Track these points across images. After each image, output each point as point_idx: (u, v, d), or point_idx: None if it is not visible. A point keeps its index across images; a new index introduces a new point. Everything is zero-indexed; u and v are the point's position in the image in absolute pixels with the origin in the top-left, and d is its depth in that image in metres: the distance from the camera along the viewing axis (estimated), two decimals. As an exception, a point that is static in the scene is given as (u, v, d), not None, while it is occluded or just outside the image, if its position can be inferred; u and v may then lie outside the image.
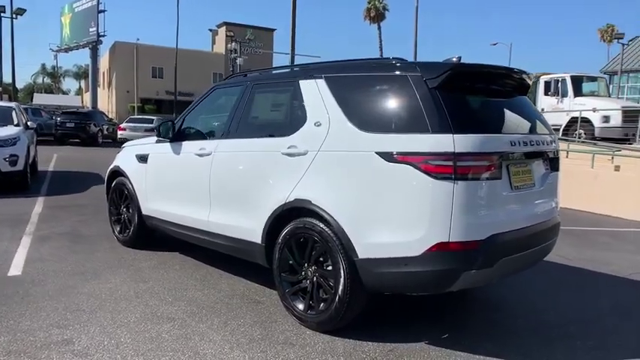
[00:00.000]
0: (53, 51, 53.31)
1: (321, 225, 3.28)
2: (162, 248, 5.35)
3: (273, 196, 3.59)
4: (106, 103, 53.40)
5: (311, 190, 3.35)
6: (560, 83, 15.49)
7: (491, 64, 3.23)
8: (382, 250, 3.02)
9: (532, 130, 3.44)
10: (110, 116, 37.02)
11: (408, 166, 2.92)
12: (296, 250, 3.50)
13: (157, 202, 4.87)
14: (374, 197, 3.07)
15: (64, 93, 74.88)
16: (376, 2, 54.42)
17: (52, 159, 15.27)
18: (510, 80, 3.42)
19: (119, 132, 23.38)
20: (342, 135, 3.27)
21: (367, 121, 3.20)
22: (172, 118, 4.75)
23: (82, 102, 60.58)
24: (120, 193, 5.49)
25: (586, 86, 16.00)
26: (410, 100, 3.03)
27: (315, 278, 3.41)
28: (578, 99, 15.16)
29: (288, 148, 3.55)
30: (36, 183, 9.95)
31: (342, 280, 3.18)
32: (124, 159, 5.43)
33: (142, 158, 5.07)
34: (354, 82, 3.40)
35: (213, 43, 58.61)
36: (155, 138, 5.22)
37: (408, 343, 3.26)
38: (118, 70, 50.38)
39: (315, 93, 3.53)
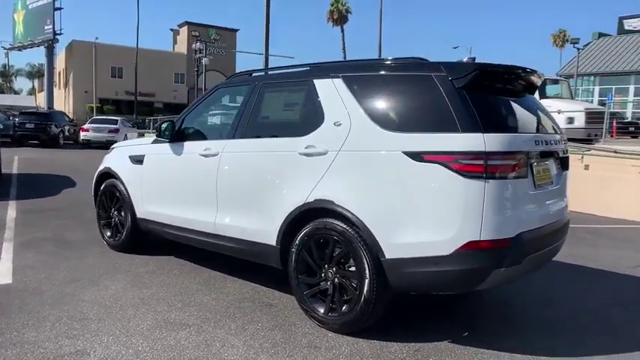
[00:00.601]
0: (5, 49, 50.92)
1: (344, 225, 3.24)
2: (156, 252, 5.18)
3: (290, 197, 3.52)
4: (63, 103, 51.50)
5: (333, 191, 3.30)
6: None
7: (509, 65, 3.28)
8: (411, 249, 3.01)
9: (547, 128, 3.51)
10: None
11: (438, 165, 2.92)
12: (315, 252, 3.45)
13: (154, 205, 4.70)
14: (401, 197, 3.06)
15: (16, 93, 71.63)
16: (339, 5, 54.77)
17: (14, 161, 14.59)
18: (524, 80, 3.48)
19: (82, 133, 22.59)
20: (365, 134, 3.24)
21: (392, 120, 3.19)
22: (172, 118, 4.60)
23: (36, 102, 58.18)
24: (110, 195, 5.27)
25: (550, 88, 16.57)
26: (436, 99, 3.04)
27: (336, 279, 3.36)
28: (543, 101, 15.68)
29: (306, 148, 3.49)
30: (3, 186, 9.46)
31: (367, 280, 3.15)
32: (116, 160, 5.22)
33: (137, 160, 4.88)
34: (374, 82, 3.38)
35: (175, 42, 57.52)
36: (149, 138, 5.06)
37: (432, 342, 3.26)
38: (76, 70, 48.69)
39: (333, 92, 3.49)
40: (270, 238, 3.67)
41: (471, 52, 46.81)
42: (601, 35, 36.04)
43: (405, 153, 3.03)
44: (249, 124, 3.97)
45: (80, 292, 4.02)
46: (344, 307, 3.30)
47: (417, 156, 2.99)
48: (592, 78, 32.74)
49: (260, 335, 3.31)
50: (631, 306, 4.17)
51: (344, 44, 54.77)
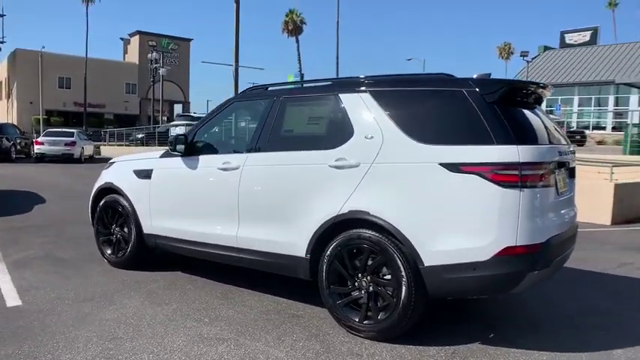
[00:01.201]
0: (-60, 58, 48.03)
1: (380, 235, 3.35)
2: (160, 268, 5.09)
3: (322, 209, 3.60)
4: (5, 114, 49.03)
5: (368, 202, 3.41)
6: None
7: (528, 80, 3.50)
8: (449, 256, 3.15)
9: (560, 138, 3.77)
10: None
11: (475, 175, 3.09)
12: (348, 262, 3.53)
13: (165, 220, 4.64)
14: (438, 206, 3.21)
15: (-49, 104, 67.37)
16: (294, 16, 55.26)
17: (-32, 177, 13.78)
18: (537, 94, 3.71)
19: (36, 146, 21.58)
20: (398, 147, 3.37)
21: (425, 133, 3.34)
22: (185, 132, 4.56)
23: (-26, 114, 55.05)
24: (111, 211, 5.15)
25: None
26: (469, 113, 3.21)
27: (371, 288, 3.46)
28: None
29: (336, 160, 3.59)
30: (-31, 204, 8.96)
31: (405, 288, 3.27)
32: (118, 175, 5.11)
33: (144, 174, 4.81)
34: (405, 97, 3.53)
35: (125, 52, 56.08)
36: (155, 152, 5.00)
37: (464, 344, 3.40)
38: (20, 80, 46.56)
39: (362, 107, 3.61)
40: (300, 249, 3.73)
41: (424, 64, 48.38)
42: (547, 48, 38.15)
43: (442, 164, 3.18)
44: (271, 138, 4.02)
45: (99, 311, 3.92)
46: (380, 315, 3.40)
47: (453, 167, 3.15)
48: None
49: (299, 346, 3.36)
50: (630, 301, 4.49)
51: (299, 55, 55.34)
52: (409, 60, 47.82)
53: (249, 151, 4.11)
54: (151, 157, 4.93)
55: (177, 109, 59.21)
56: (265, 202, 3.95)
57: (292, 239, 3.77)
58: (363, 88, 3.67)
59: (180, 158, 4.51)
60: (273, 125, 4.05)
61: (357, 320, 3.49)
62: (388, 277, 3.39)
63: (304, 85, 4.13)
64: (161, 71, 31.99)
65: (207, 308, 4.03)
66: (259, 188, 3.99)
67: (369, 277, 3.47)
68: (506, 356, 3.26)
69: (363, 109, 3.60)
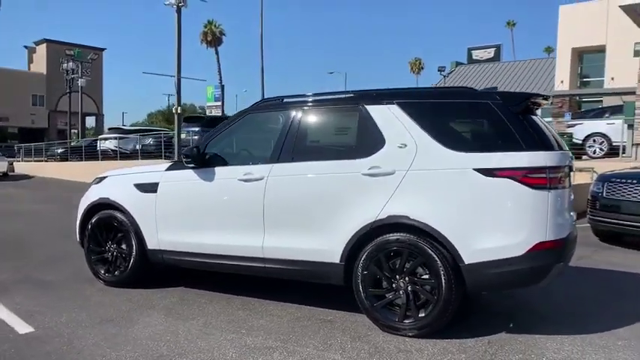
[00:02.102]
0: None
1: (418, 238, 3.58)
2: (158, 285, 4.91)
3: (357, 216, 3.75)
4: None
5: (406, 207, 3.62)
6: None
7: (540, 93, 3.92)
8: (487, 254, 3.45)
9: (563, 145, 4.21)
10: None
11: (509, 179, 3.42)
12: (385, 265, 3.72)
13: (175, 234, 4.53)
14: (474, 208, 3.50)
15: None
16: (212, 27, 54.61)
17: None
18: (540, 104, 4.13)
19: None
20: (433, 155, 3.63)
21: (457, 142, 3.63)
22: (196, 145, 4.49)
23: None
24: (107, 227, 4.93)
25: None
26: (498, 123, 3.56)
27: (409, 288, 3.67)
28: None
29: (370, 169, 3.77)
30: None
31: (445, 285, 3.51)
32: (115, 190, 4.90)
33: (148, 188, 4.67)
34: (433, 108, 3.80)
35: (31, 61, 52.08)
36: (156, 165, 4.89)
37: (493, 334, 3.70)
38: None
39: (391, 117, 3.83)
40: (334, 256, 3.85)
41: (346, 77, 49.83)
42: (458, 64, 40.92)
43: (477, 170, 3.48)
44: (296, 149, 4.11)
45: (126, 331, 3.77)
46: (420, 313, 3.62)
47: (488, 172, 3.46)
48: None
49: (349, 347, 3.48)
50: (604, 288, 5.07)
51: (219, 66, 54.63)
52: (331, 73, 49.01)
53: (272, 162, 4.16)
54: (153, 170, 4.80)
55: (90, 121, 55.92)
56: (295, 211, 4.03)
57: (325, 246, 3.88)
58: (390, 100, 3.90)
59: (192, 171, 4.45)
60: (296, 136, 4.15)
61: (396, 320, 3.68)
62: (426, 276, 3.62)
63: (324, 97, 4.26)
64: (80, 82, 30.14)
65: (237, 320, 4.02)
66: (288, 198, 4.06)
67: (407, 278, 3.68)
68: (535, 341, 3.59)
69: (392, 120, 3.82)
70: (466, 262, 3.48)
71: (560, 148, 3.68)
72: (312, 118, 4.22)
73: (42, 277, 5.34)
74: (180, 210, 4.53)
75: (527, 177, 3.41)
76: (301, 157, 4.10)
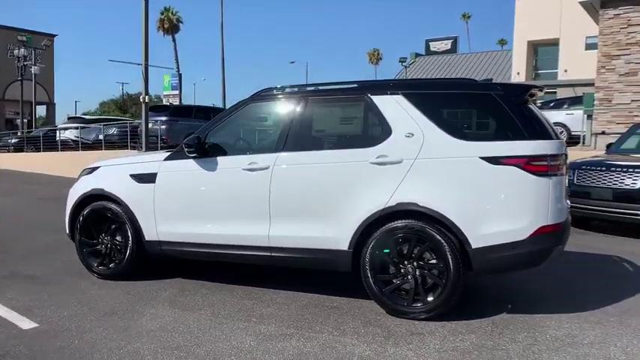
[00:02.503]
0: None
1: (426, 224, 3.69)
2: (153, 277, 4.83)
3: (366, 203, 3.83)
4: None
5: (415, 194, 3.73)
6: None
7: (534, 84, 4.10)
8: (493, 238, 3.61)
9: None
10: None
11: (513, 167, 3.58)
12: (393, 250, 3.82)
13: (175, 225, 4.47)
14: (480, 195, 3.65)
15: None
16: (169, 14, 53.25)
17: None
18: (536, 95, 4.30)
19: None
20: (440, 144, 3.75)
21: (463, 131, 3.77)
22: (197, 134, 4.43)
23: None
24: (100, 219, 4.81)
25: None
26: (501, 113, 3.71)
27: (417, 273, 3.79)
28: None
29: (377, 157, 3.85)
30: None
31: (453, 269, 3.65)
32: (109, 180, 4.77)
33: (145, 178, 4.58)
34: (438, 98, 3.91)
35: (-29, 47, 48.95)
36: (152, 155, 4.80)
37: (497, 315, 3.88)
38: None
39: (396, 107, 3.92)
40: (342, 243, 3.92)
41: (307, 67, 49.70)
42: (417, 55, 41.59)
43: (482, 158, 3.63)
44: (301, 138, 4.14)
45: (134, 323, 3.72)
46: (429, 296, 3.75)
47: (494, 160, 3.61)
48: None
49: (363, 332, 3.57)
50: (580, 270, 5.38)
51: (176, 54, 53.37)
52: (292, 63, 48.76)
53: (276, 151, 4.18)
54: (150, 160, 4.71)
55: (40, 111, 53.38)
56: (302, 200, 4.07)
57: (333, 234, 3.95)
58: (395, 90, 3.98)
59: (193, 160, 4.40)
60: (301, 126, 4.18)
61: (405, 304, 3.80)
62: (434, 261, 3.75)
63: (328, 87, 4.29)
64: (33, 69, 28.65)
65: (244, 309, 4.03)
66: (294, 187, 4.09)
67: (415, 263, 3.80)
68: (535, 321, 3.79)
69: (398, 110, 3.91)
70: (473, 247, 3.62)
71: (557, 137, 3.87)
72: (316, 108, 4.25)
73: (28, 271, 5.15)
74: (182, 200, 4.48)
75: (530, 164, 3.58)
76: (307, 147, 4.14)
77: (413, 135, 3.82)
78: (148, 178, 4.57)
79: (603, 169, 7.17)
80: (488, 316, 3.87)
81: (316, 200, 4.03)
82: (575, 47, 26.82)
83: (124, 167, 4.79)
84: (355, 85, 4.21)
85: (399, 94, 3.96)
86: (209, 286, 4.64)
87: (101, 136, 16.15)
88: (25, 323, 3.71)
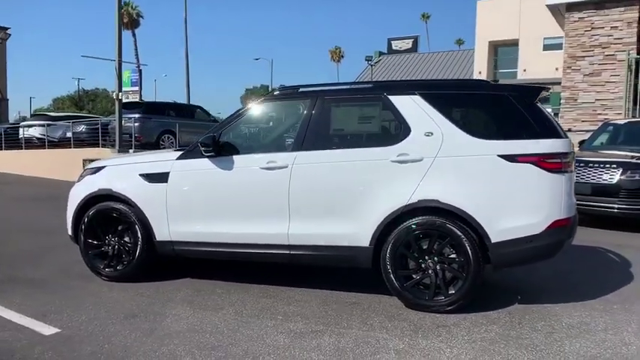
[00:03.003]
0: None
1: (446, 220, 3.82)
2: (163, 277, 4.78)
3: (388, 200, 3.92)
4: None
5: (436, 191, 3.85)
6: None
7: (543, 86, 4.28)
8: (511, 232, 3.77)
9: None
10: None
11: (529, 164, 3.76)
12: (414, 246, 3.93)
13: (189, 224, 4.43)
14: (499, 191, 3.81)
15: None
16: (129, 8, 51.79)
17: None
18: (543, 96, 4.48)
19: None
20: (459, 142, 3.88)
21: (480, 130, 3.91)
22: (213, 133, 4.38)
23: None
24: (107, 220, 4.70)
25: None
26: (516, 113, 3.88)
27: (438, 267, 3.91)
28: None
29: (398, 156, 3.95)
30: None
31: (472, 263, 3.79)
32: (118, 180, 4.66)
33: (157, 178, 4.50)
34: (455, 99, 4.05)
35: None
36: (162, 154, 4.73)
37: (511, 306, 4.06)
38: None
39: (414, 107, 4.03)
40: (363, 239, 4.00)
41: (272, 64, 49.46)
42: (381, 53, 42.13)
43: (500, 156, 3.79)
44: (319, 137, 4.19)
45: (160, 325, 3.68)
46: (450, 289, 3.88)
47: (510, 158, 3.77)
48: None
49: (390, 326, 3.66)
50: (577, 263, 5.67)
51: (136, 49, 51.99)
52: (257, 60, 48.42)
53: (295, 149, 4.21)
54: (160, 159, 4.64)
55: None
56: (323, 198, 4.12)
57: (354, 231, 4.02)
58: (412, 91, 4.09)
59: (208, 159, 4.37)
60: (319, 124, 4.22)
61: (426, 298, 3.92)
62: (454, 255, 3.89)
63: (345, 86, 4.35)
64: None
65: (266, 308, 4.05)
66: (315, 185, 4.13)
67: (435, 258, 3.92)
68: (547, 310, 3.98)
69: (416, 109, 4.02)
70: (493, 241, 3.78)
71: (566, 135, 4.08)
72: (334, 107, 4.31)
73: (25, 275, 4.98)
74: (198, 199, 4.44)
75: (544, 162, 3.77)
76: (326, 145, 4.19)
77: (432, 134, 3.94)
78: (159, 178, 4.51)
79: (582, 165, 7.54)
80: (502, 307, 4.04)
81: (337, 198, 4.09)
82: (534, 48, 27.92)
83: (132, 167, 4.70)
84: (371, 85, 4.30)
85: (416, 94, 4.07)
86: (222, 285, 4.62)
87: (69, 134, 15.57)
88: (45, 329, 3.60)
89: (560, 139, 3.87)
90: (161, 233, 4.53)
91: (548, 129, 3.87)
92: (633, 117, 10.97)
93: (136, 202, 4.57)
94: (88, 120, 17.33)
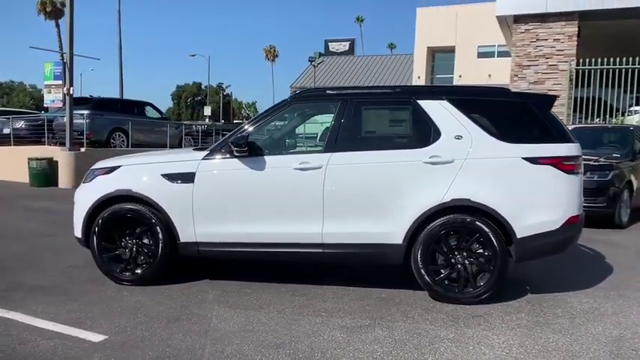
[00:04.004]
0: None
1: (474, 217, 4.11)
2: (179, 280, 4.70)
3: (421, 200, 4.14)
4: None
5: (467, 190, 4.12)
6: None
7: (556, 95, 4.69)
8: (534, 228, 4.12)
9: None
10: None
11: (550, 166, 4.13)
12: (445, 242, 4.18)
13: (218, 225, 4.40)
14: (523, 190, 4.15)
15: None
16: (52, -4, 48.66)
17: None
18: None
19: None
20: (487, 145, 4.18)
21: (505, 134, 4.22)
22: (242, 133, 4.36)
23: None
24: (123, 222, 4.55)
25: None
26: (536, 119, 4.25)
27: (466, 262, 4.19)
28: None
29: (430, 157, 4.18)
30: None
31: (500, 257, 4.11)
32: (137, 181, 4.51)
33: (182, 178, 4.43)
34: (480, 104, 4.35)
35: None
36: (189, 154, 4.67)
37: (527, 295, 4.42)
38: None
39: (443, 112, 4.28)
40: (396, 237, 4.20)
41: (209, 60, 48.42)
42: (321, 54, 42.60)
43: (524, 158, 4.13)
44: (351, 138, 4.33)
45: (210, 327, 3.67)
46: (479, 283, 4.17)
47: (534, 160, 4.13)
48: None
49: (430, 318, 3.88)
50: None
51: (60, 41, 48.91)
52: (193, 56, 47.27)
53: (328, 150, 4.31)
54: (184, 159, 4.56)
55: None
56: (357, 198, 4.26)
57: (389, 229, 4.20)
58: (440, 96, 4.34)
59: (238, 160, 4.37)
60: (350, 126, 4.37)
61: (456, 291, 4.19)
62: (481, 250, 4.18)
63: (374, 90, 4.51)
64: None
65: (305, 305, 4.13)
66: (350, 185, 4.26)
67: (465, 253, 4.20)
68: (559, 298, 4.37)
69: (445, 114, 4.27)
70: (518, 237, 4.11)
71: (576, 140, 4.52)
72: (365, 110, 4.46)
73: (31, 281, 4.70)
74: (227, 200, 4.42)
75: (562, 164, 4.16)
76: (358, 147, 4.34)
77: (462, 137, 4.21)
78: (184, 178, 4.44)
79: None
80: (519, 297, 4.39)
81: (372, 198, 4.25)
82: (469, 55, 29.55)
83: (153, 167, 4.58)
84: (399, 90, 4.49)
85: (444, 99, 4.32)
86: (247, 285, 4.63)
87: (6, 130, 14.44)
88: (90, 335, 3.47)
89: (574, 143, 4.28)
90: (186, 234, 4.46)
91: (563, 134, 4.27)
92: (573, 123, 12.00)
93: (158, 203, 4.46)
94: (28, 116, 16.17)
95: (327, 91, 4.56)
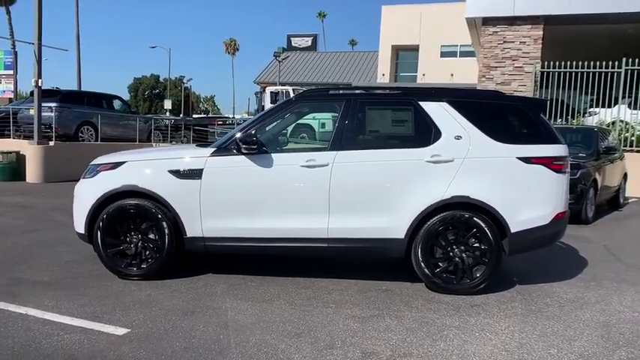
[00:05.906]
0: None
1: (473, 213, 4.39)
2: (182, 275, 4.76)
3: (423, 197, 4.38)
4: None
5: (466, 188, 4.38)
6: (284, 94, 18.50)
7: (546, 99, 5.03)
8: (526, 223, 4.44)
9: None
10: None
11: (542, 166, 4.45)
12: (444, 236, 4.44)
13: (225, 220, 4.49)
14: (517, 188, 4.45)
15: None
16: (3, -20, 46.31)
17: None
18: None
19: None
20: (484, 145, 4.45)
21: (500, 135, 4.51)
22: (250, 130, 4.45)
23: None
24: (128, 217, 4.57)
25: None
26: (528, 121, 4.56)
27: (463, 255, 4.46)
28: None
29: (432, 156, 4.42)
30: None
31: (494, 251, 4.40)
32: (144, 176, 4.55)
33: (189, 174, 4.49)
34: (477, 106, 4.61)
35: None
36: (196, 150, 4.72)
37: (519, 286, 4.74)
38: None
39: (444, 113, 4.53)
40: (399, 232, 4.42)
41: (170, 52, 47.43)
42: (285, 50, 42.50)
43: (519, 158, 4.43)
44: (357, 137, 4.53)
45: (228, 318, 3.79)
46: (475, 275, 4.45)
47: (527, 160, 4.44)
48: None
49: (433, 308, 4.12)
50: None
51: (11, 28, 46.66)
52: (153, 47, 46.17)
53: (334, 149, 4.48)
54: (192, 155, 4.62)
55: None
56: (362, 194, 4.45)
57: (392, 224, 4.42)
58: (439, 98, 4.58)
59: (245, 157, 4.47)
60: (356, 125, 4.55)
61: (454, 282, 4.45)
62: (477, 244, 4.46)
63: (377, 91, 4.70)
64: None
65: (313, 297, 4.30)
66: (355, 182, 4.45)
67: (462, 247, 4.47)
68: (545, 288, 4.70)
69: (446, 115, 4.52)
70: (512, 231, 4.41)
71: (564, 141, 4.88)
72: (370, 110, 4.66)
73: (32, 278, 4.66)
74: (235, 196, 4.52)
75: (553, 164, 4.49)
76: (364, 145, 4.54)
77: (461, 137, 4.47)
78: (192, 174, 4.50)
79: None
80: (509, 288, 4.70)
81: (376, 194, 4.45)
82: (432, 54, 30.29)
83: (160, 162, 4.62)
84: (401, 91, 4.71)
85: (444, 101, 4.57)
86: (250, 278, 4.75)
87: (-34, 123, 13.80)
88: (112, 329, 3.52)
89: (562, 144, 4.62)
90: (193, 229, 4.54)
91: (552, 136, 4.60)
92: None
93: (165, 199, 4.51)
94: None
95: (332, 91, 4.73)
